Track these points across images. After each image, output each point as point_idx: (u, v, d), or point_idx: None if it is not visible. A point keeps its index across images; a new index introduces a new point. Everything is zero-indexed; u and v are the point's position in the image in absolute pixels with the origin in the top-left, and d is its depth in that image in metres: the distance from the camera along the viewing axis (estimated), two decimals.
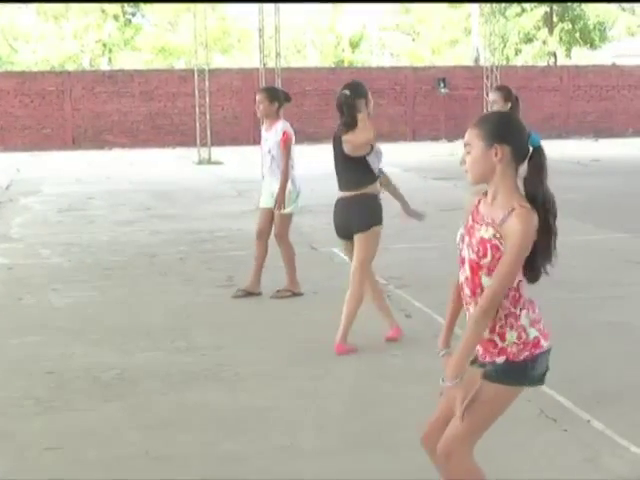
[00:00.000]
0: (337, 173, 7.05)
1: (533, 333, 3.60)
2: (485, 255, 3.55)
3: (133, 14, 50.65)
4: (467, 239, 3.65)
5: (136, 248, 11.65)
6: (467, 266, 3.64)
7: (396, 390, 6.14)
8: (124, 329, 7.78)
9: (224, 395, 6.13)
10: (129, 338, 7.50)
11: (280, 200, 8.55)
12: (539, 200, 3.56)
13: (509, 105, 8.08)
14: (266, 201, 8.80)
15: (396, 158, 24.75)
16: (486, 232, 3.56)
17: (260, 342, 7.35)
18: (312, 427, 5.50)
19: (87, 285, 9.50)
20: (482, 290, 3.58)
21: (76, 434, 5.45)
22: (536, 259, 3.60)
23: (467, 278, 3.66)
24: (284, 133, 8.53)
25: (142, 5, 48.86)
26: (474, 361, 3.71)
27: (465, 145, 3.66)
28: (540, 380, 3.69)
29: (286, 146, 8.53)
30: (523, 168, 3.64)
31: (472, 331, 3.54)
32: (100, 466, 4.98)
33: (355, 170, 6.89)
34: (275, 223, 8.74)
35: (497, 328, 3.60)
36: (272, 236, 8.83)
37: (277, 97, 8.65)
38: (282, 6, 18.28)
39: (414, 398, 5.94)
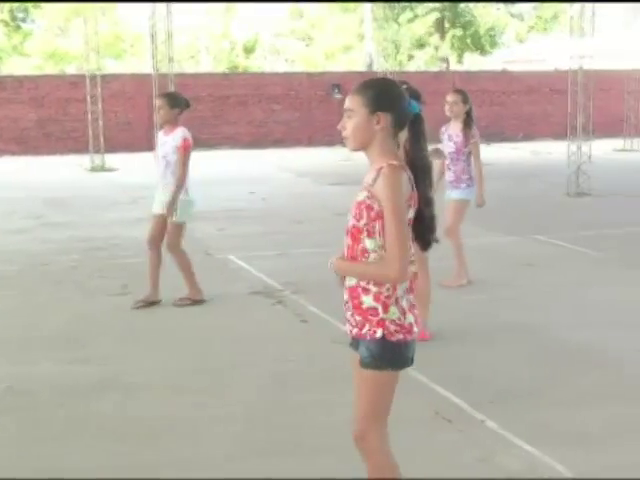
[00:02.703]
0: None
1: (409, 319, 3.69)
2: (361, 217, 3.64)
3: (23, 19, 49.58)
4: (351, 208, 3.75)
5: (28, 257, 11.40)
6: (348, 234, 3.72)
7: (297, 395, 6.15)
8: (16, 340, 7.61)
9: (124, 405, 6.02)
10: (22, 349, 7.34)
11: (170, 209, 8.40)
12: (419, 165, 3.72)
13: (468, 107, 9.05)
14: (158, 207, 8.65)
15: (291, 163, 24.81)
16: (361, 195, 3.66)
17: (158, 351, 7.28)
18: (218, 435, 5.46)
19: None
20: (365, 253, 3.66)
21: None
22: (420, 228, 3.75)
23: (348, 246, 3.74)
24: (185, 140, 8.41)
25: (32, 10, 47.86)
26: (352, 343, 3.81)
27: (346, 110, 3.72)
28: (411, 362, 3.76)
29: (186, 154, 8.42)
30: (404, 134, 3.75)
31: (369, 269, 3.65)
32: None
33: None
34: (167, 232, 8.61)
35: (382, 298, 3.66)
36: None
37: (178, 103, 8.54)
38: (174, 10, 18.13)
39: (315, 403, 5.97)
